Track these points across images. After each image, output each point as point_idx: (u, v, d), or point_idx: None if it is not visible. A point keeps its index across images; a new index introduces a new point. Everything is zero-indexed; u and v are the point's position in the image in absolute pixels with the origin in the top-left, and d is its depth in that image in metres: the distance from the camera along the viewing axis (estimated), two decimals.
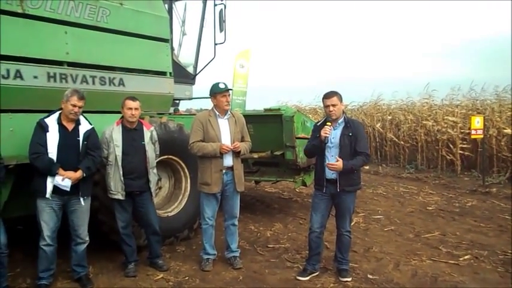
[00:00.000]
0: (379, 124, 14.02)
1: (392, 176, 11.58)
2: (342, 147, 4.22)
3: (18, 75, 4.16)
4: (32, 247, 4.47)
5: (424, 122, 12.53)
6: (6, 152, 3.97)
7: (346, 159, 4.19)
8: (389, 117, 13.96)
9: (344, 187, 4.25)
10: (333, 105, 4.21)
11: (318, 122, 4.53)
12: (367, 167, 11.85)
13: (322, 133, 4.16)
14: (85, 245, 4.26)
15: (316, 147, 4.30)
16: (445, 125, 11.78)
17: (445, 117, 11.92)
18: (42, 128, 3.94)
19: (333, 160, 4.21)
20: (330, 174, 4.26)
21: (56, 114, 4.03)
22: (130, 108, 4.37)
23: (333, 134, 4.24)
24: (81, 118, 4.15)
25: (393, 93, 15.00)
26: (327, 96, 4.28)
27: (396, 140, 13.47)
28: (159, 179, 5.30)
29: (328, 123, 4.21)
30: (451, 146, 11.65)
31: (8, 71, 4.09)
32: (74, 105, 3.96)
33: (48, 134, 3.93)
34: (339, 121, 4.30)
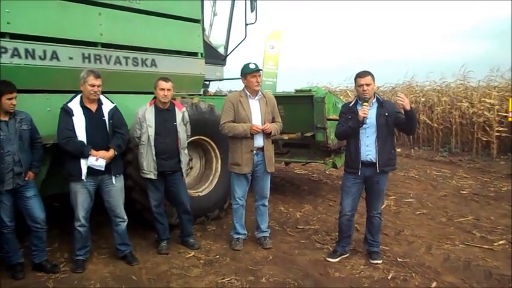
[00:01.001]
0: (412, 106, 13.69)
1: (425, 159, 11.35)
2: (378, 126, 4.13)
3: (55, 56, 4.26)
4: (68, 224, 4.64)
5: (459, 104, 12.17)
6: (43, 132, 4.11)
7: (384, 139, 4.13)
8: (423, 99, 13.63)
9: (383, 167, 4.19)
10: (367, 85, 4.12)
11: (349, 103, 4.42)
12: (398, 149, 11.64)
13: (361, 113, 4.06)
14: (125, 223, 4.37)
15: (353, 128, 4.18)
16: (481, 107, 11.42)
17: (482, 99, 11.55)
18: (67, 113, 4.00)
19: (369, 141, 4.15)
20: (366, 156, 4.19)
21: (78, 98, 4.08)
22: (163, 89, 4.40)
23: (367, 114, 4.15)
24: (102, 97, 4.19)
25: (428, 74, 14.56)
26: (361, 75, 4.19)
27: (429, 122, 13.15)
28: (190, 159, 5.37)
29: (365, 103, 4.12)
30: (487, 128, 11.30)
31: (44, 52, 4.19)
32: (92, 85, 4.00)
33: (74, 118, 3.99)
34: (372, 101, 4.21)
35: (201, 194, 5.50)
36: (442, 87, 13.84)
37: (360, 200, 4.53)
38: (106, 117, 4.14)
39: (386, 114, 4.15)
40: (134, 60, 4.93)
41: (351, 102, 4.42)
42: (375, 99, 4.23)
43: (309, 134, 6.43)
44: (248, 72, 4.55)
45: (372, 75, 4.18)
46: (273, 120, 4.71)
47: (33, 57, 4.11)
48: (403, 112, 4.14)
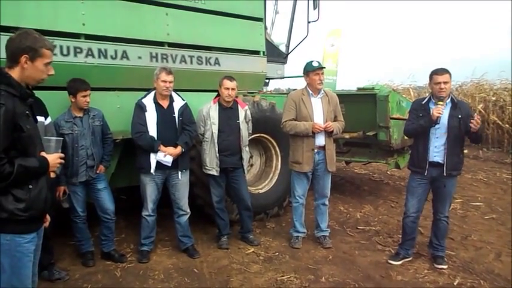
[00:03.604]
0: (481, 105, 13.02)
1: (494, 161, 10.76)
2: (450, 128, 3.97)
3: (125, 55, 4.45)
4: (134, 216, 4.85)
5: None
6: (114, 128, 4.31)
7: (454, 141, 3.97)
8: (493, 98, 12.91)
9: (451, 171, 4.03)
10: (445, 83, 3.94)
11: (422, 100, 4.24)
12: (465, 151, 11.11)
13: (435, 112, 3.90)
14: (187, 216, 4.50)
15: (425, 127, 4.03)
16: None
17: None
18: (141, 108, 4.18)
19: (438, 142, 4.01)
20: (434, 157, 4.04)
21: (152, 94, 4.26)
22: (228, 88, 4.48)
23: (442, 114, 3.96)
24: (174, 95, 4.34)
25: (500, 73, 13.74)
26: (439, 72, 4.00)
27: (500, 123, 12.44)
28: (251, 157, 5.43)
29: (440, 102, 3.95)
30: None
31: (115, 51, 4.38)
32: (164, 81, 4.14)
33: (147, 114, 4.17)
34: (447, 101, 4.03)
35: (260, 191, 5.54)
36: None
37: (425, 202, 4.38)
38: (176, 114, 4.28)
39: (460, 116, 3.97)
40: (199, 59, 5.05)
41: (423, 99, 4.24)
42: (449, 99, 4.06)
43: (371, 133, 6.30)
44: (311, 70, 4.53)
45: (450, 73, 4.00)
46: (335, 119, 4.66)
47: (105, 57, 4.32)
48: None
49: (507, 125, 12.19)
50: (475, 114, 3.97)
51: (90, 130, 4.03)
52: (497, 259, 4.45)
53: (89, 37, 4.21)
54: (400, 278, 4.03)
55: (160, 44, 4.73)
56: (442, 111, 3.92)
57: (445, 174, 4.02)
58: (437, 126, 3.99)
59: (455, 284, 3.90)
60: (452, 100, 4.06)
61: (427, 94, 4.29)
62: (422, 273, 4.11)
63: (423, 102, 4.15)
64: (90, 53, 4.22)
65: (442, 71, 3.99)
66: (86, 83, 3.95)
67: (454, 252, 4.58)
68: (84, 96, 3.92)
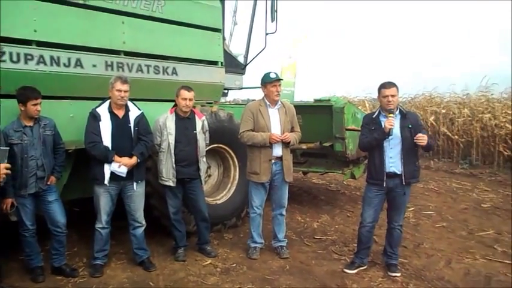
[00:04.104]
0: (432, 117, 13.53)
1: (445, 171, 11.19)
2: (403, 139, 4.09)
3: (79, 63, 4.34)
4: (87, 228, 4.70)
5: (480, 116, 11.98)
6: (66, 137, 4.18)
7: (409, 151, 4.10)
8: (443, 111, 13.45)
9: (409, 179, 4.15)
10: (392, 96, 4.09)
11: (372, 114, 4.37)
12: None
13: (387, 124, 4.02)
14: (142, 228, 4.41)
15: (379, 140, 4.13)
16: (504, 120, 11.23)
17: (504, 112, 11.36)
18: (95, 118, 4.08)
19: (393, 153, 4.12)
20: (390, 168, 4.15)
21: (106, 103, 4.17)
22: (185, 99, 4.44)
23: (394, 126, 4.09)
24: (130, 104, 4.27)
25: (449, 86, 14.37)
26: (386, 86, 4.14)
27: (450, 134, 12.97)
28: (209, 167, 5.40)
29: (391, 115, 4.07)
30: (510, 141, 11.09)
31: (69, 59, 4.27)
32: (119, 90, 4.07)
33: (101, 123, 4.07)
34: (396, 113, 4.17)
35: (218, 202, 5.51)
36: (463, 99, 13.66)
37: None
38: (132, 124, 4.20)
39: (410, 126, 4.11)
40: (156, 68, 5.00)
41: (373, 113, 4.37)
42: (398, 110, 4.20)
43: (327, 144, 6.41)
44: (268, 82, 4.57)
45: (397, 87, 4.15)
46: (292, 130, 4.71)
47: (58, 65, 4.19)
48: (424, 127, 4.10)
49: (456, 137, 12.70)
50: (420, 131, 4.12)
51: (40, 140, 3.88)
52: (447, 266, 4.60)
53: (41, 44, 4.07)
54: (356, 286, 4.10)
55: (116, 52, 4.65)
56: (393, 123, 4.04)
57: (404, 183, 4.14)
58: (390, 137, 4.10)
59: None
60: (400, 111, 4.20)
61: (376, 108, 4.43)
62: (376, 281, 4.19)
63: (373, 116, 4.28)
64: (41, 60, 4.08)
65: (389, 85, 4.14)
66: (37, 91, 3.82)
67: (407, 260, 4.70)
68: (35, 104, 3.79)
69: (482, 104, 12.56)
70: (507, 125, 11.12)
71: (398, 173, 4.13)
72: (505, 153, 11.20)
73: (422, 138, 3.98)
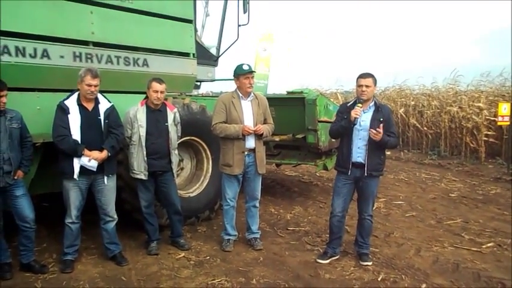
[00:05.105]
0: (402, 109, 13.80)
1: (415, 162, 11.44)
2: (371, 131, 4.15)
3: (45, 54, 4.21)
4: (56, 224, 4.60)
5: (448, 108, 12.29)
6: (33, 130, 4.06)
7: (375, 143, 4.13)
8: (413, 103, 13.73)
9: (371, 171, 4.21)
10: (367, 86, 4.14)
11: (347, 103, 4.43)
12: (388, 152, 11.72)
13: (353, 114, 4.08)
14: (114, 222, 4.34)
15: (345, 128, 4.21)
16: (470, 112, 11.55)
17: (471, 104, 11.68)
18: (63, 111, 3.97)
19: (361, 143, 4.18)
20: (357, 158, 4.22)
21: (75, 95, 4.06)
22: (156, 91, 4.38)
23: (363, 117, 4.17)
24: (100, 96, 4.17)
25: (418, 78, 14.69)
26: (363, 76, 4.20)
27: (419, 126, 13.27)
28: (181, 160, 5.36)
29: (359, 105, 4.14)
30: (476, 133, 11.42)
31: (35, 50, 4.14)
32: (89, 85, 3.97)
33: (69, 116, 3.96)
34: (370, 105, 4.22)
35: (191, 194, 5.48)
36: (432, 91, 13.97)
37: (352, 202, 4.55)
38: (102, 117, 4.11)
39: (381, 119, 4.16)
40: (126, 60, 4.90)
41: (349, 102, 4.43)
42: (372, 102, 4.25)
43: (300, 136, 6.45)
44: (241, 74, 4.54)
45: (374, 78, 4.19)
46: (265, 122, 4.71)
47: (23, 55, 4.06)
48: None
49: (425, 128, 13.00)
50: (390, 126, 4.21)
51: (6, 133, 3.76)
52: (417, 254, 4.70)
53: (5, 34, 3.93)
54: (328, 276, 4.15)
55: (84, 43, 4.53)
56: (359, 113, 4.10)
57: (366, 174, 4.20)
58: (359, 128, 4.16)
59: (379, 279, 4.07)
60: (375, 104, 4.25)
61: (353, 98, 4.48)
62: (348, 271, 4.26)
63: (348, 105, 4.33)
64: (6, 50, 3.95)
65: (366, 75, 4.19)
66: (2, 82, 3.70)
67: (378, 249, 4.79)
68: (0, 96, 3.66)
69: (450, 96, 12.88)
70: (473, 116, 11.43)
71: (363, 163, 4.20)
72: (471, 145, 11.52)
73: (376, 134, 4.05)
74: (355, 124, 4.14)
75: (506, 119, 9.60)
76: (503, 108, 9.53)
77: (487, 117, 11.21)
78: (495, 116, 10.56)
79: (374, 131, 4.05)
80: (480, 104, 11.39)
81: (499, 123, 10.03)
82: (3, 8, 3.91)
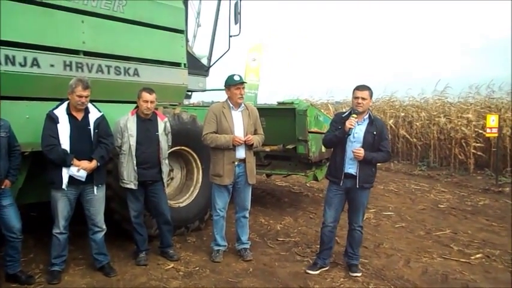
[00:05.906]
0: (391, 121, 13.92)
1: (404, 173, 11.52)
2: (365, 143, 4.17)
3: (35, 63, 4.19)
4: (44, 234, 4.55)
5: (437, 119, 12.41)
6: (22, 139, 4.02)
7: (364, 159, 4.15)
8: (402, 114, 13.86)
9: (363, 183, 4.23)
10: (363, 98, 4.16)
11: (342, 113, 4.44)
12: (378, 164, 11.79)
13: (348, 124, 4.10)
14: (102, 233, 4.29)
15: (338, 138, 4.22)
16: (459, 123, 11.67)
17: (459, 115, 11.81)
18: (52, 120, 3.93)
19: (353, 155, 4.19)
20: (349, 169, 4.23)
21: (65, 105, 4.03)
22: (147, 101, 4.37)
23: (356, 129, 4.19)
24: (90, 106, 4.14)
25: (407, 90, 14.87)
26: (360, 88, 4.22)
27: (408, 137, 13.38)
28: (171, 170, 5.33)
29: (354, 116, 4.16)
30: (464, 144, 11.53)
31: (25, 58, 4.12)
32: (80, 96, 3.94)
33: (59, 126, 3.93)
34: (364, 117, 4.25)
35: (181, 204, 5.45)
36: (421, 103, 14.12)
37: (342, 213, 4.55)
38: (91, 127, 4.08)
39: (375, 133, 4.19)
40: (116, 69, 4.90)
41: (344, 112, 4.44)
42: (367, 115, 4.27)
43: (290, 146, 6.46)
44: (232, 84, 4.56)
45: (371, 91, 4.23)
46: (255, 132, 4.71)
47: (13, 64, 4.04)
48: (388, 138, 4.28)
49: (415, 139, 13.11)
50: (383, 141, 4.25)
51: None
52: (406, 265, 4.71)
53: None
54: (318, 287, 4.13)
55: (75, 52, 4.52)
56: (354, 124, 4.12)
57: (357, 186, 4.22)
58: (353, 139, 4.19)
59: None
60: (369, 117, 4.28)
61: (348, 108, 4.51)
62: (338, 282, 4.25)
63: (343, 116, 4.35)
64: None
65: (363, 88, 4.22)
66: None
67: (367, 260, 4.79)
68: None
69: (438, 107, 13.02)
70: (462, 128, 11.55)
71: (355, 174, 4.22)
72: (460, 156, 11.62)
73: (358, 153, 4.11)
74: (349, 134, 4.16)
75: (495, 130, 9.71)
76: (492, 120, 9.64)
77: (476, 129, 11.34)
78: (483, 127, 10.68)
79: (355, 151, 4.10)
80: (469, 115, 11.52)
81: (487, 135, 10.14)
82: None
